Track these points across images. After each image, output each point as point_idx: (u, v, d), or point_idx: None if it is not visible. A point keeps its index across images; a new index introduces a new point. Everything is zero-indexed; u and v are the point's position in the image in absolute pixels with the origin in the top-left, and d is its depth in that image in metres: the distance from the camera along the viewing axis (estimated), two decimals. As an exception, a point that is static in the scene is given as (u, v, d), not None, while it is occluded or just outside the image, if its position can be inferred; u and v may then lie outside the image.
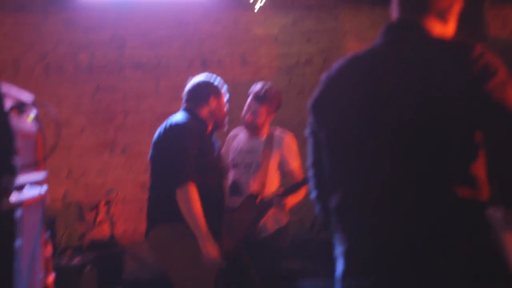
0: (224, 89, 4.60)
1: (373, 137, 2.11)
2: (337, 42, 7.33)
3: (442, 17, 2.24)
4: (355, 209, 2.17)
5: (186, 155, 4.18)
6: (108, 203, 6.76)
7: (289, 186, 4.71)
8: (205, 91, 4.50)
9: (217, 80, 4.58)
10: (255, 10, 6.85)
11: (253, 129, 4.89)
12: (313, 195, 2.43)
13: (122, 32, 7.07)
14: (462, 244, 2.01)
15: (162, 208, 4.29)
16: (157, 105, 7.02)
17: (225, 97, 4.59)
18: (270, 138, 4.88)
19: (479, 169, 2.02)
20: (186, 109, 4.48)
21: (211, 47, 7.21)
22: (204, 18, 7.21)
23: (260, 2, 6.70)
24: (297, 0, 7.35)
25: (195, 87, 4.53)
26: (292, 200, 4.70)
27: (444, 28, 2.25)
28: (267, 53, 7.29)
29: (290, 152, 4.87)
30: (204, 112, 4.47)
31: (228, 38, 7.25)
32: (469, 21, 7.18)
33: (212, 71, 5.22)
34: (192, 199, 4.10)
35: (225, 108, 4.57)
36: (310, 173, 2.43)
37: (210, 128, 4.51)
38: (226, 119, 4.60)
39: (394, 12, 2.30)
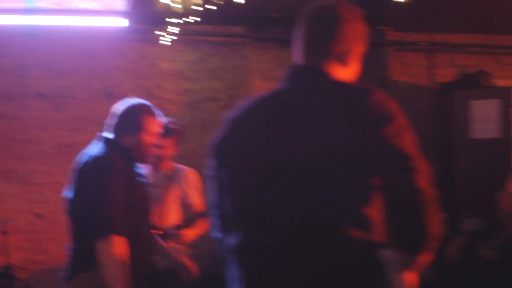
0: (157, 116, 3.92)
1: (273, 180, 2.14)
2: (243, 80, 7.42)
3: (343, 61, 2.27)
4: (254, 250, 2.19)
5: (109, 199, 3.43)
6: (4, 232, 6.63)
7: (186, 219, 4.73)
8: (138, 117, 3.77)
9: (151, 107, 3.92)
10: (163, 44, 6.85)
11: (157, 163, 4.85)
12: (218, 235, 2.41)
13: (26, 60, 6.94)
14: (353, 285, 2.07)
15: (84, 255, 3.53)
16: (60, 135, 6.93)
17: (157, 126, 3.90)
18: (172, 172, 4.88)
19: (374, 211, 2.08)
20: (109, 139, 3.70)
21: (116, 79, 7.17)
22: (110, 49, 7.17)
23: (168, 37, 6.70)
24: (205, 37, 7.39)
25: (127, 112, 3.79)
26: (192, 233, 4.70)
27: (347, 72, 2.28)
28: (172, 88, 7.31)
29: (192, 187, 4.88)
30: (131, 140, 3.71)
31: (134, 71, 7.24)
32: (373, 65, 7.44)
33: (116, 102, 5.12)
34: (113, 255, 3.34)
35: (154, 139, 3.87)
36: (213, 214, 2.41)
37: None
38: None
39: (296, 56, 2.34)
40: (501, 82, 7.44)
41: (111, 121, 3.77)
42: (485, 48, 7.83)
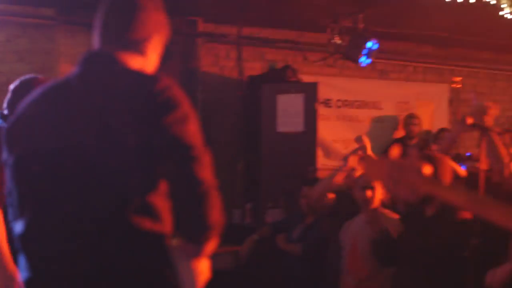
0: None
1: (56, 167, 2.08)
2: (51, 64, 7.14)
3: (139, 50, 2.24)
4: (38, 238, 2.11)
5: None
6: None
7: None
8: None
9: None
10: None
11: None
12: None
13: None
14: (138, 273, 2.05)
15: None
16: None
17: None
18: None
19: (161, 200, 2.06)
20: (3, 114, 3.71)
21: None
22: None
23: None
24: (13, 17, 7.04)
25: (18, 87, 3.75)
26: None
27: (143, 61, 2.25)
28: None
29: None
30: None
31: None
32: (182, 55, 7.46)
33: None
34: None
35: None
36: (8, 202, 2.30)
37: None
38: None
39: (95, 42, 2.29)
40: (306, 78, 7.76)
41: (7, 97, 3.78)
42: (292, 44, 8.10)
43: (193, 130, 2.06)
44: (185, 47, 7.47)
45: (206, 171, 2.04)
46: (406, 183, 1.96)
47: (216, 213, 2.06)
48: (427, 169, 1.96)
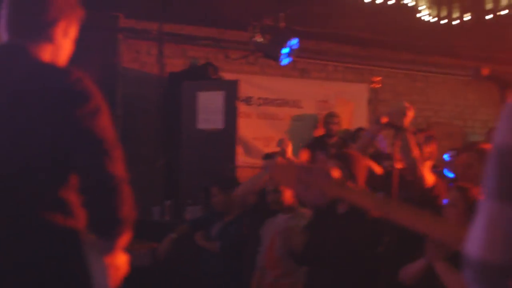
0: None
1: None
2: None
3: (48, 38, 2.18)
4: None
5: None
6: None
7: None
8: None
9: None
10: None
11: None
12: None
13: None
14: (51, 269, 2.02)
15: None
16: None
17: None
18: None
19: (74, 195, 2.04)
20: None
21: None
22: None
23: None
24: None
25: None
26: None
27: (55, 50, 2.20)
28: None
29: None
30: None
31: None
32: (102, 51, 7.34)
33: None
34: None
35: None
36: None
37: None
38: None
39: (3, 34, 2.22)
40: (228, 76, 7.76)
41: None
42: (214, 42, 8.09)
43: (104, 124, 2.03)
44: (105, 42, 7.36)
45: (117, 166, 2.03)
46: (316, 187, 1.98)
47: (127, 208, 2.04)
48: (336, 173, 1.98)
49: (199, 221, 5.87)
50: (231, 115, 7.00)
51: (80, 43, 2.36)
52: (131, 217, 2.07)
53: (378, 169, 4.83)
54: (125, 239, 2.11)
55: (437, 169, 5.56)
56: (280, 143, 5.02)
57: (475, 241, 1.56)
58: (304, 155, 1.85)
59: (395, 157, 4.45)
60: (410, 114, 4.41)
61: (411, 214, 1.95)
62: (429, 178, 4.39)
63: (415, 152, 4.34)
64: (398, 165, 4.56)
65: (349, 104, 9.12)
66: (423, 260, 3.69)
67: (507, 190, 1.52)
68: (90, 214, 2.05)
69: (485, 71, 3.88)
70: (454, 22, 7.06)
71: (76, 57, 2.33)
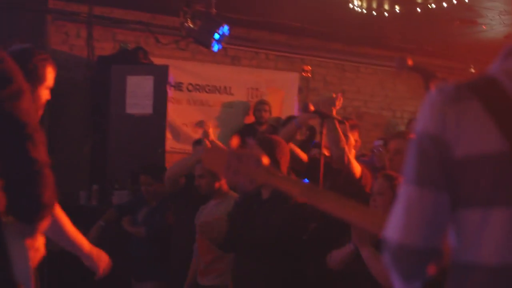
0: None
1: None
2: None
3: None
4: None
5: None
6: None
7: None
8: None
9: None
10: None
11: None
12: None
13: None
14: None
15: None
16: None
17: None
18: None
19: None
20: None
21: None
22: None
23: None
24: None
25: None
26: None
27: None
28: None
29: None
30: None
31: None
32: (30, 33, 7.18)
33: None
34: None
35: None
36: None
37: None
38: None
39: None
40: (158, 61, 7.69)
41: None
42: (144, 26, 7.99)
43: (26, 107, 1.98)
44: (33, 24, 7.19)
45: (39, 150, 1.99)
46: (245, 173, 1.99)
47: (49, 192, 2.01)
48: (266, 159, 2.00)
49: (125, 206, 5.84)
50: (160, 100, 6.95)
51: (8, 25, 2.29)
52: (53, 202, 2.05)
53: (304, 156, 4.86)
54: (45, 223, 2.09)
55: (364, 158, 5.65)
56: (201, 124, 4.99)
57: (394, 226, 1.59)
58: (235, 141, 1.84)
59: (322, 145, 4.50)
60: (339, 104, 4.45)
61: (335, 202, 1.98)
62: (357, 168, 4.44)
63: (343, 141, 4.38)
64: (326, 153, 4.61)
65: (280, 92, 9.16)
66: (350, 245, 3.74)
67: (425, 176, 1.56)
68: (11, 198, 2.00)
69: (410, 62, 3.92)
70: (384, 14, 7.16)
71: (3, 38, 2.27)
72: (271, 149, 3.82)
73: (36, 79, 2.86)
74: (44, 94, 3.01)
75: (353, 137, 4.80)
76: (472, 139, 1.51)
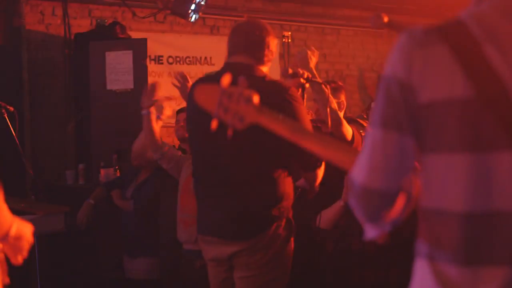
0: None
1: None
2: None
3: None
4: None
5: None
6: None
7: None
8: None
9: None
10: None
11: None
12: None
13: None
14: None
15: None
16: None
17: None
18: None
19: None
20: None
21: None
22: None
23: None
24: None
25: None
26: None
27: None
28: None
29: None
30: None
31: None
32: (5, 13, 7.09)
33: None
34: None
35: None
36: None
37: None
38: None
39: None
40: (136, 35, 7.61)
41: None
42: (120, 0, 7.90)
43: None
44: (7, 3, 7.11)
45: None
46: (235, 111, 1.99)
47: None
48: (256, 97, 2.00)
49: (113, 183, 5.82)
50: (141, 74, 6.89)
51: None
52: None
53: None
54: None
55: (351, 119, 5.62)
56: (181, 76, 4.90)
57: (359, 168, 1.60)
58: (226, 79, 1.83)
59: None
60: (314, 58, 4.36)
61: (321, 142, 2.01)
62: (348, 130, 4.37)
63: (334, 102, 4.31)
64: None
65: (261, 59, 9.11)
66: (340, 202, 3.76)
67: (390, 119, 1.57)
68: None
69: (385, 19, 3.88)
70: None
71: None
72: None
73: None
74: None
75: (338, 99, 4.72)
76: (437, 84, 1.51)
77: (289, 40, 8.56)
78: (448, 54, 1.51)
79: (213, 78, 3.49)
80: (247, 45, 3.55)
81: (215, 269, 3.60)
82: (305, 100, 4.35)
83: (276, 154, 3.37)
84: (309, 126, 3.42)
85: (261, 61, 3.57)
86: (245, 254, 3.41)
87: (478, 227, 1.50)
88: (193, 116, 3.64)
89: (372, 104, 5.53)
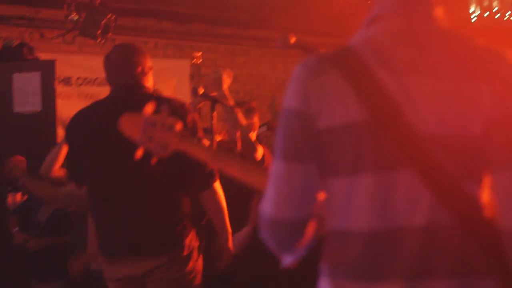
0: None
1: None
2: None
3: None
4: None
5: None
6: None
7: None
8: None
9: None
10: None
11: None
12: None
13: None
14: None
15: None
16: None
17: None
18: None
19: None
20: None
21: None
22: None
23: None
24: None
25: None
26: None
27: None
28: None
29: None
30: None
31: None
32: None
33: None
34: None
35: None
36: None
37: None
38: None
39: None
40: (45, 56, 7.50)
41: None
42: (28, 21, 7.79)
43: None
44: None
45: None
46: (158, 139, 2.03)
47: None
48: (179, 125, 2.04)
49: (23, 206, 5.72)
50: (49, 96, 6.78)
51: None
52: None
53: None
54: None
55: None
56: None
57: (267, 201, 1.64)
58: (149, 108, 1.85)
59: (214, 130, 4.50)
60: (227, 79, 4.42)
61: (240, 167, 2.09)
62: (259, 150, 4.43)
63: (244, 122, 4.37)
64: (218, 138, 4.62)
65: (171, 80, 9.13)
66: (248, 227, 3.80)
67: (291, 151, 1.61)
68: None
69: (292, 39, 3.98)
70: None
71: None
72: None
73: None
74: None
75: (251, 120, 4.78)
76: (334, 110, 1.57)
77: (200, 61, 8.60)
78: (341, 81, 1.57)
79: (101, 105, 3.58)
80: (128, 66, 3.64)
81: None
82: (213, 120, 4.41)
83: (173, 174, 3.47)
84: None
85: (144, 79, 3.67)
86: (161, 270, 3.45)
87: (379, 244, 1.57)
88: (91, 143, 3.65)
89: (260, 129, 5.63)
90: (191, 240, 3.55)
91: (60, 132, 7.53)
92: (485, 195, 1.57)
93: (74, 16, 6.97)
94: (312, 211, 1.65)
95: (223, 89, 4.37)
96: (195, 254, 3.56)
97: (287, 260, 1.76)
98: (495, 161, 1.55)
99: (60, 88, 7.62)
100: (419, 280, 1.54)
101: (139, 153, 2.11)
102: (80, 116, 3.78)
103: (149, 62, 3.76)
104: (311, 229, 1.67)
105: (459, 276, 1.55)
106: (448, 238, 1.54)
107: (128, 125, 2.19)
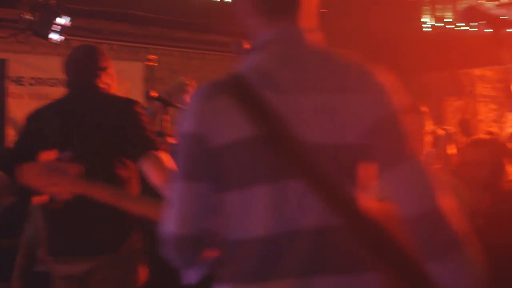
0: None
1: None
2: None
3: None
4: None
5: None
6: None
7: None
8: None
9: None
10: None
11: None
12: None
13: None
14: None
15: None
16: None
17: None
18: None
19: None
20: None
21: None
22: None
23: None
24: None
25: None
26: None
27: None
28: None
29: None
30: None
31: None
32: None
33: None
34: None
35: None
36: None
37: None
38: None
39: None
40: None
41: None
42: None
43: None
44: None
45: None
46: (60, 184, 2.11)
47: None
48: (74, 170, 2.11)
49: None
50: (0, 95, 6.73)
51: None
52: None
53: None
54: None
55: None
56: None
57: (169, 220, 1.74)
58: (46, 156, 1.90)
59: (166, 133, 4.53)
60: (191, 89, 4.47)
61: (137, 203, 2.24)
62: None
63: None
64: (171, 141, 4.64)
65: (126, 83, 9.07)
66: None
67: (190, 170, 1.74)
68: None
69: (245, 45, 4.04)
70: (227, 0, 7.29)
71: None
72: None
73: None
74: None
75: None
76: (226, 130, 1.70)
77: (155, 64, 8.60)
78: (232, 103, 1.71)
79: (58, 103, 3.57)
80: (88, 65, 3.64)
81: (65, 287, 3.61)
82: (164, 123, 4.44)
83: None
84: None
85: (99, 78, 3.66)
86: (103, 270, 3.45)
87: (274, 247, 1.71)
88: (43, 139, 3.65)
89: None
90: (134, 242, 3.55)
91: (10, 132, 7.48)
92: (362, 195, 1.74)
93: (28, 16, 6.90)
94: (211, 225, 1.77)
95: (182, 97, 4.41)
96: (138, 255, 3.56)
97: (191, 277, 1.84)
98: (384, 160, 1.72)
99: (11, 88, 7.54)
100: (309, 277, 1.68)
101: (44, 199, 2.19)
102: (41, 112, 3.75)
103: (109, 63, 3.75)
104: (212, 243, 1.79)
105: (347, 272, 1.70)
106: (337, 238, 1.69)
107: (28, 175, 2.26)
